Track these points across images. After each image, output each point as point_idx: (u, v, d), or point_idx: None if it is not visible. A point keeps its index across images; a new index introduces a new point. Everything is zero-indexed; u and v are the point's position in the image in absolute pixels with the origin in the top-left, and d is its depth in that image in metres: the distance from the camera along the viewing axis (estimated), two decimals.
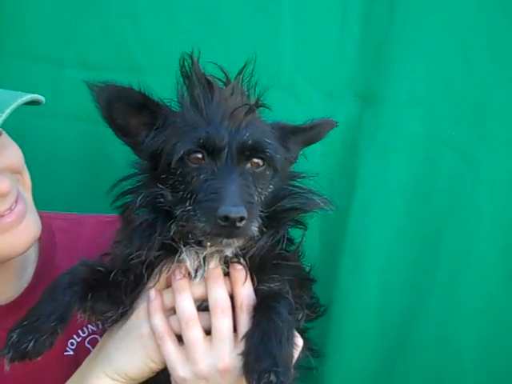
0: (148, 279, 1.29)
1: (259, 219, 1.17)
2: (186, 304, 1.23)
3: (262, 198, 1.23)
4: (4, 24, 1.87)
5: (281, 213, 1.25)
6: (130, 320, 1.30)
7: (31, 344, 1.16)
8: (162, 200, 1.21)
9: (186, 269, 1.25)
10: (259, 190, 1.21)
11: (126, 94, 1.27)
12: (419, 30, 1.82)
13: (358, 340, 1.83)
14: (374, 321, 1.84)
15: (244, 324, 1.20)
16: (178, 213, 1.18)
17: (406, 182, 1.85)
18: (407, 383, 1.82)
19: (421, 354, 1.81)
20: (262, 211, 1.20)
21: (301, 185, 1.33)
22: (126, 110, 1.28)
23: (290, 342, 1.17)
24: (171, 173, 1.22)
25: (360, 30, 1.86)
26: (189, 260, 1.24)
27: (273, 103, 1.81)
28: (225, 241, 1.15)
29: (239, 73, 1.30)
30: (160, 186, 1.22)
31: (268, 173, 1.23)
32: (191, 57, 1.25)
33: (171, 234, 1.20)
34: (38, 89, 1.50)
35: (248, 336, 1.18)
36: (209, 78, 1.26)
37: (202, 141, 1.17)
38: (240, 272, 1.24)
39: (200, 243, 1.22)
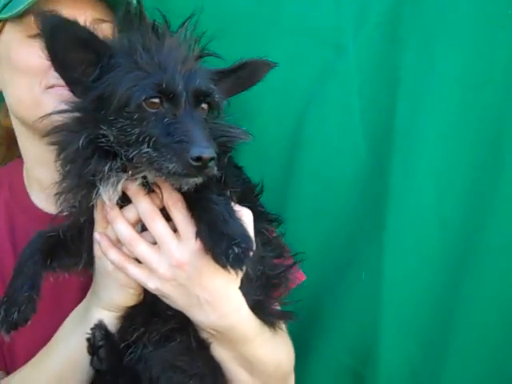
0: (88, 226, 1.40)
1: None
2: (122, 228, 1.31)
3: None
4: None
5: None
6: (95, 263, 1.41)
7: (15, 314, 1.29)
8: (103, 141, 1.24)
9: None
10: (205, 129, 1.26)
11: (71, 28, 1.24)
12: None
13: (418, 253, 1.66)
14: (433, 228, 1.65)
15: (180, 221, 1.28)
16: (131, 155, 1.22)
17: (457, 71, 1.62)
18: (472, 290, 1.63)
19: (483, 260, 1.62)
20: None
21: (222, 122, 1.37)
22: (68, 44, 1.25)
23: (234, 216, 1.24)
24: (123, 116, 1.23)
25: None
26: (104, 193, 1.28)
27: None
28: (191, 180, 1.21)
29: (183, 22, 1.34)
30: (103, 127, 1.24)
31: (208, 116, 1.30)
32: (139, 2, 1.30)
33: (103, 173, 1.25)
34: None
35: (197, 233, 1.25)
36: (158, 25, 1.30)
37: (162, 86, 1.21)
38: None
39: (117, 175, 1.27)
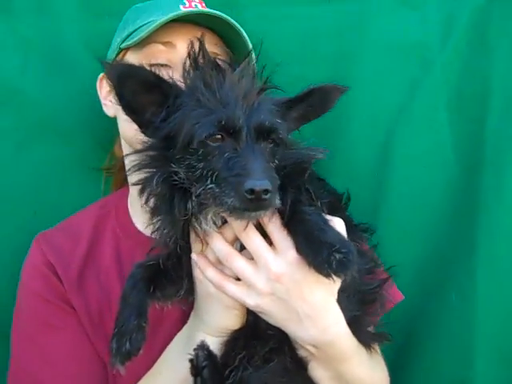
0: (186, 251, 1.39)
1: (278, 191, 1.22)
2: (220, 245, 1.31)
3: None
4: None
5: (286, 177, 1.27)
6: (197, 287, 1.40)
7: (127, 345, 1.30)
8: (176, 178, 1.26)
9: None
10: (271, 164, 1.26)
11: (137, 73, 1.29)
12: None
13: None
14: None
15: (275, 234, 1.27)
16: (198, 191, 1.23)
17: None
18: None
19: None
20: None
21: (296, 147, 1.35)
22: (136, 88, 1.29)
23: (328, 225, 1.22)
24: (189, 153, 1.25)
25: None
26: (200, 226, 1.30)
27: (381, 16, 1.70)
28: (252, 214, 1.19)
29: (246, 56, 1.35)
30: (173, 165, 1.26)
31: (276, 149, 1.27)
32: (200, 40, 1.31)
33: (189, 211, 1.26)
34: None
35: (297, 247, 1.24)
36: (218, 61, 1.31)
37: (222, 123, 1.21)
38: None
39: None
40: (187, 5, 1.48)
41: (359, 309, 1.41)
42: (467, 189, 1.65)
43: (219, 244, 1.32)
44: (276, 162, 1.27)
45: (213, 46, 1.47)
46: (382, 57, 1.72)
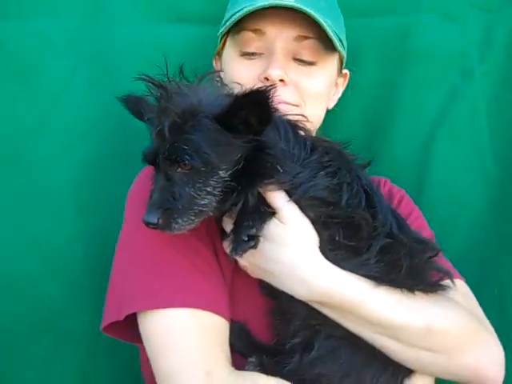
0: None
1: (192, 213, 1.21)
2: None
3: (213, 182, 1.22)
4: None
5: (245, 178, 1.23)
6: None
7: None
8: None
9: None
10: (199, 184, 1.21)
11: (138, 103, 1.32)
12: None
13: None
14: None
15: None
16: None
17: None
18: None
19: None
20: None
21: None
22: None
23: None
24: None
25: None
26: None
27: (423, 28, 1.78)
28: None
29: (201, 77, 1.28)
30: None
31: (203, 169, 1.20)
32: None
33: None
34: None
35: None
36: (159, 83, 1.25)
37: (145, 154, 1.26)
38: None
39: None
40: None
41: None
42: (506, 191, 1.72)
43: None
44: (200, 185, 1.21)
45: (303, 30, 1.46)
46: (424, 66, 1.80)
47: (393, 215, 1.33)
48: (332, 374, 1.29)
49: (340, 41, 1.52)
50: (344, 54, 1.58)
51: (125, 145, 1.79)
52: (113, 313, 1.29)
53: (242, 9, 1.44)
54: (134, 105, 1.33)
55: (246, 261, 1.30)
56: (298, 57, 1.48)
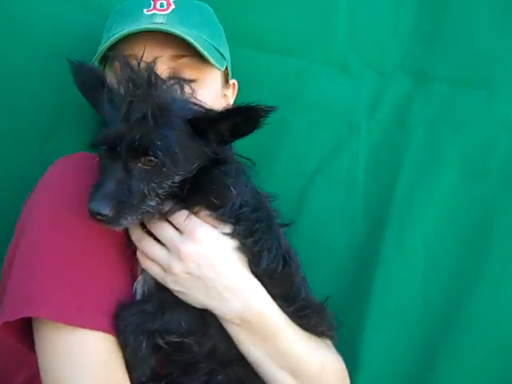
0: None
1: (140, 212, 1.20)
2: (135, 231, 1.30)
3: (166, 185, 1.21)
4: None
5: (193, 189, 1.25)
6: None
7: None
8: None
9: None
10: (154, 183, 1.19)
11: (94, 74, 1.31)
12: (475, 9, 1.82)
13: (400, 319, 1.70)
14: (417, 300, 1.71)
15: (176, 220, 1.28)
16: None
17: (458, 160, 1.78)
18: (450, 367, 1.66)
19: (466, 339, 1.66)
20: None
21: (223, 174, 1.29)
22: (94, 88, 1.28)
23: None
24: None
25: (416, 6, 1.87)
26: None
27: (323, 79, 1.87)
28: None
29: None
30: None
31: (165, 169, 1.19)
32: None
33: None
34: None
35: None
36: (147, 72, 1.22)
37: (108, 137, 1.18)
38: None
39: None
40: (152, 7, 1.47)
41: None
42: (370, 241, 1.78)
43: (135, 231, 1.31)
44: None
45: (178, 49, 1.46)
46: (316, 112, 1.88)
47: (303, 279, 1.44)
48: None
49: (219, 52, 1.55)
50: (227, 65, 1.61)
51: None
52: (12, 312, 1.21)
53: (113, 35, 1.43)
54: (86, 75, 1.27)
55: (190, 268, 1.26)
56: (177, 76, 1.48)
